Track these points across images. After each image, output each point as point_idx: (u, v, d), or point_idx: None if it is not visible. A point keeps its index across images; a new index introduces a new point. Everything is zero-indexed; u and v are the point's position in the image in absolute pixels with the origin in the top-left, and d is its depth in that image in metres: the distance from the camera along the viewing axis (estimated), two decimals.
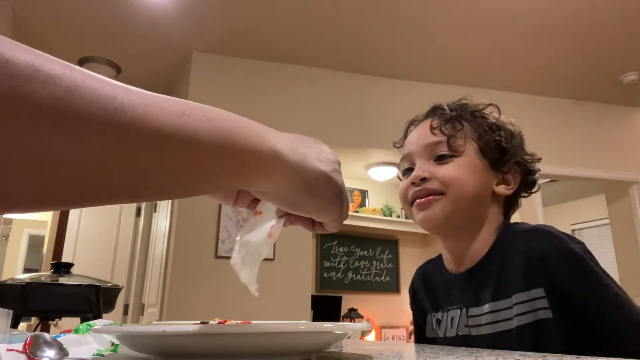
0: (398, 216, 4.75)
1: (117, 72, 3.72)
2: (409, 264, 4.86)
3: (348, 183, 4.60)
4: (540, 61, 3.57)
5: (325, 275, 4.37)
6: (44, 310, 1.37)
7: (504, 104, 0.91)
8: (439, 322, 0.87)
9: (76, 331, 0.59)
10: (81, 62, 3.61)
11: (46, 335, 0.47)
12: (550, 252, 0.70)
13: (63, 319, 1.51)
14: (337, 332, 0.50)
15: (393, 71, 3.79)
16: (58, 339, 0.51)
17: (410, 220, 4.56)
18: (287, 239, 3.24)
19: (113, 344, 0.56)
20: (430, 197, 0.79)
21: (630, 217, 4.10)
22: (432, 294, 0.92)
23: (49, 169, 0.24)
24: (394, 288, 4.67)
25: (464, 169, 0.79)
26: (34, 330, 1.31)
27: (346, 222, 0.47)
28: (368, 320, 4.23)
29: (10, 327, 0.62)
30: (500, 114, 0.86)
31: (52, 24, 3.22)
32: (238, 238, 0.45)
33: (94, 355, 0.54)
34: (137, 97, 0.28)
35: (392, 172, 4.36)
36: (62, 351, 0.47)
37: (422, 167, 0.81)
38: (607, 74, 3.75)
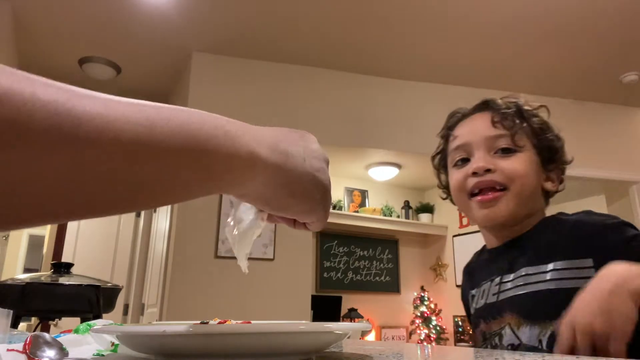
0: (398, 216, 4.74)
1: (117, 72, 3.72)
2: (409, 264, 4.86)
3: (348, 183, 4.60)
4: (540, 61, 3.57)
5: (325, 275, 4.37)
6: (44, 310, 1.37)
7: None
8: (473, 297, 0.90)
9: (76, 331, 0.59)
10: (81, 62, 3.61)
11: (46, 335, 0.47)
12: (605, 224, 0.73)
13: (63, 319, 1.51)
14: (337, 332, 0.50)
15: (393, 71, 3.79)
16: (58, 339, 0.51)
17: (410, 220, 4.53)
18: (287, 239, 3.24)
19: (113, 344, 0.56)
20: (496, 194, 0.79)
21: (630, 218, 4.10)
22: (472, 273, 0.95)
23: (5, 190, 0.23)
24: (394, 288, 4.67)
25: (527, 164, 0.81)
26: (34, 330, 1.31)
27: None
28: (368, 320, 4.23)
29: (10, 327, 0.62)
30: (548, 114, 0.88)
31: (52, 24, 3.22)
32: (232, 211, 0.46)
33: (94, 355, 0.54)
34: (96, 106, 0.26)
35: (392, 172, 4.36)
36: (62, 351, 0.47)
37: (485, 159, 0.81)
38: (607, 74, 3.75)
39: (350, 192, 4.63)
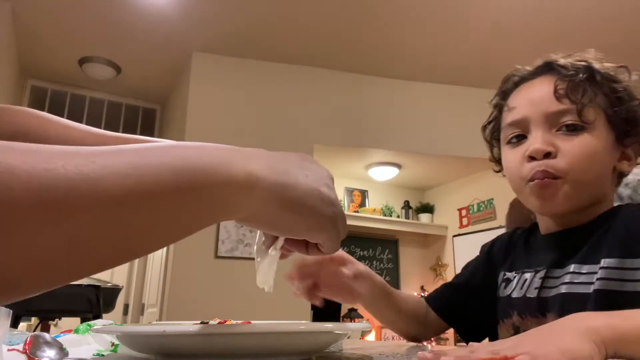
0: (398, 216, 4.74)
1: (117, 72, 3.72)
2: (409, 264, 4.86)
3: (348, 183, 4.60)
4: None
5: None
6: (44, 310, 1.37)
7: None
8: (508, 281, 0.78)
9: (76, 331, 0.59)
10: (81, 62, 3.61)
11: (46, 335, 0.47)
12: None
13: (63, 319, 1.52)
14: (337, 332, 0.50)
15: (393, 71, 3.79)
16: (58, 339, 0.51)
17: (410, 220, 4.53)
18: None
19: (113, 344, 0.56)
20: (554, 181, 0.66)
21: None
22: (512, 252, 0.82)
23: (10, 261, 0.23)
24: (394, 288, 4.67)
25: (594, 144, 0.67)
26: (34, 330, 1.31)
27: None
28: (368, 320, 4.23)
29: (10, 327, 0.62)
30: (630, 75, 0.72)
31: (52, 24, 3.22)
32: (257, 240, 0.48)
33: (94, 355, 0.54)
34: (81, 164, 0.25)
35: (392, 172, 4.36)
36: (62, 351, 0.47)
37: (544, 139, 0.67)
38: None
39: (350, 192, 4.63)
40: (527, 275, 0.73)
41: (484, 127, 0.83)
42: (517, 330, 0.72)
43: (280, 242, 0.46)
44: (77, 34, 3.31)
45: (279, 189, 0.36)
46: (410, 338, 0.90)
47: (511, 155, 0.72)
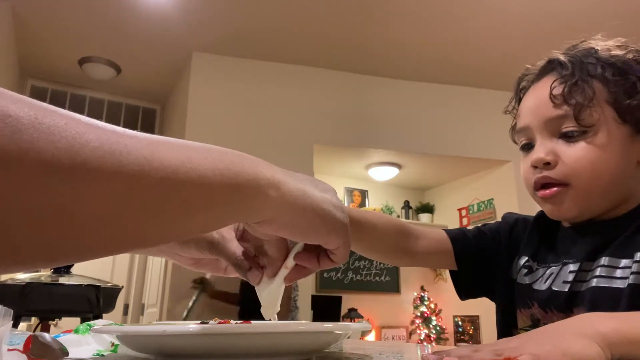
0: (398, 216, 4.74)
1: (117, 72, 3.72)
2: None
3: (348, 183, 4.60)
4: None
5: (325, 275, 4.37)
6: (44, 310, 1.37)
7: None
8: (530, 270, 0.74)
9: (76, 331, 0.59)
10: (81, 62, 3.61)
11: (46, 335, 0.47)
12: None
13: (63, 319, 1.51)
14: (337, 332, 0.50)
15: (393, 71, 3.79)
16: (58, 339, 0.51)
17: (410, 220, 4.54)
18: None
19: (113, 344, 0.56)
20: (555, 189, 0.65)
21: None
22: (536, 239, 0.77)
23: (58, 222, 0.23)
24: (394, 288, 4.67)
25: (598, 148, 0.63)
26: (34, 330, 1.31)
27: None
28: (368, 320, 4.23)
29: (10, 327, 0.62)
30: None
31: (52, 24, 3.22)
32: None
33: (94, 355, 0.54)
34: (141, 140, 0.27)
35: (392, 172, 4.36)
36: (62, 351, 0.47)
37: (545, 147, 0.66)
38: None
39: (350, 192, 4.63)
40: (554, 269, 0.70)
41: (511, 131, 0.79)
42: (535, 323, 0.70)
43: (290, 260, 0.46)
44: (77, 34, 3.31)
45: (300, 193, 0.38)
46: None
47: (523, 164, 0.71)
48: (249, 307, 2.70)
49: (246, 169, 0.34)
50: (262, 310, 0.49)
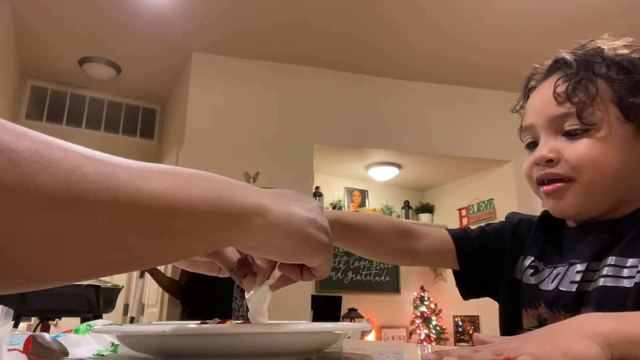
0: (398, 216, 4.74)
1: (117, 72, 3.72)
2: None
3: (348, 183, 4.60)
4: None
5: None
6: (44, 310, 1.37)
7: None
8: (536, 270, 0.74)
9: (76, 331, 0.59)
10: (81, 62, 3.61)
11: (46, 335, 0.47)
12: None
13: (63, 319, 1.52)
14: (337, 332, 0.50)
15: (393, 71, 3.79)
16: (58, 339, 0.51)
17: (410, 220, 4.56)
18: None
19: (113, 344, 0.56)
20: (558, 185, 0.66)
21: None
22: (543, 240, 0.77)
23: (55, 248, 0.25)
24: (394, 288, 4.67)
25: (601, 146, 0.63)
26: (34, 330, 1.31)
27: None
28: (368, 320, 4.23)
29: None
30: None
31: (52, 24, 3.22)
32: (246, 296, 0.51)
33: (94, 355, 0.54)
34: (133, 170, 0.29)
35: (392, 172, 4.36)
36: (62, 351, 0.47)
37: (548, 145, 0.67)
38: None
39: (350, 192, 4.63)
40: (560, 270, 0.70)
41: (519, 131, 0.79)
42: (542, 323, 0.70)
43: (277, 271, 0.49)
44: (77, 34, 3.32)
45: (285, 219, 0.40)
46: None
47: (526, 161, 0.72)
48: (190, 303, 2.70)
49: (235, 198, 0.35)
50: (249, 314, 0.51)
